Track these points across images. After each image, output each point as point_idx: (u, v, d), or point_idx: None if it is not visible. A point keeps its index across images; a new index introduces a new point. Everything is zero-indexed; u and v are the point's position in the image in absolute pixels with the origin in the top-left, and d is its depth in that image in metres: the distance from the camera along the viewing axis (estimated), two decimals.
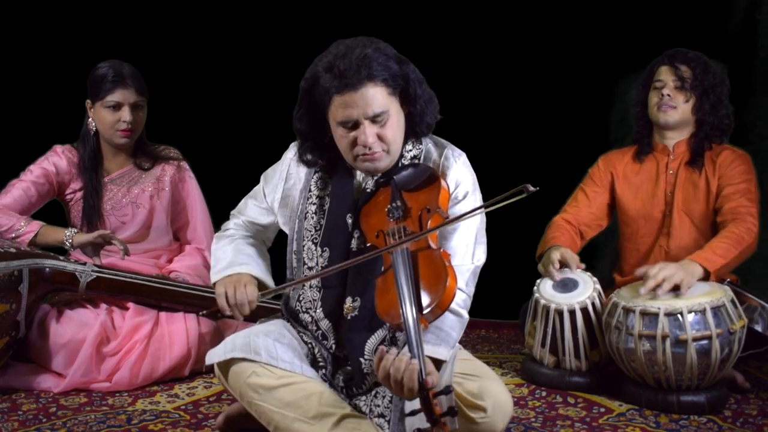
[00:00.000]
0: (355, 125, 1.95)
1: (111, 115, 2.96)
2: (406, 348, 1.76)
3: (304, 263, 2.12)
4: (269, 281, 2.17)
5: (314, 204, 2.13)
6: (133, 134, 3.01)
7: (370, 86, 1.91)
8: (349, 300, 2.05)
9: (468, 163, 2.09)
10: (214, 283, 2.14)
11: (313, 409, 1.93)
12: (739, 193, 2.73)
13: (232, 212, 2.33)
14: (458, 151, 2.10)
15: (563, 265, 2.75)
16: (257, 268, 2.17)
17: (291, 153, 2.20)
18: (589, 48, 3.82)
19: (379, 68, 1.91)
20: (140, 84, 3.00)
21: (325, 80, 1.93)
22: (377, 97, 1.93)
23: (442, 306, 1.81)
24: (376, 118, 1.94)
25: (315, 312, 2.10)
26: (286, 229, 2.21)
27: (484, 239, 2.08)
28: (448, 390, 1.68)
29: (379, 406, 1.97)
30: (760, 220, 2.71)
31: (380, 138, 1.96)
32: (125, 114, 2.95)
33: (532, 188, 1.73)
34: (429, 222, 1.91)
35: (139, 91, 2.99)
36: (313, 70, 1.98)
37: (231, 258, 2.18)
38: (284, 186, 2.19)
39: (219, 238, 2.29)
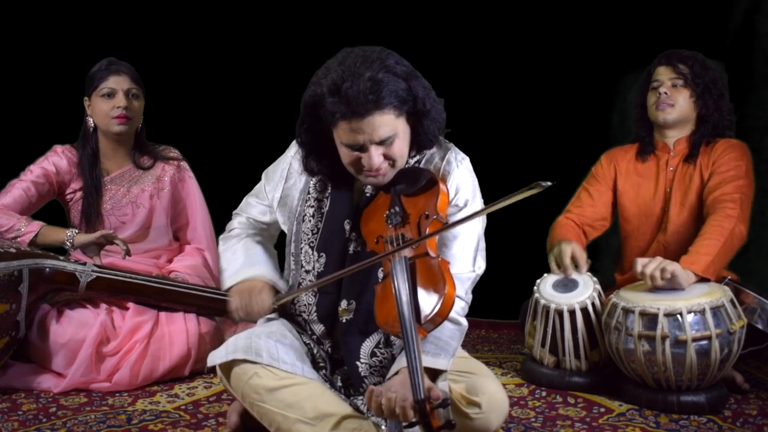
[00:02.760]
0: (361, 148, 1.91)
1: (106, 103, 2.97)
2: (394, 379, 1.78)
3: (302, 266, 2.11)
4: (280, 283, 2.15)
5: (312, 207, 2.11)
6: (130, 122, 3.01)
7: (377, 114, 1.86)
8: (344, 303, 2.04)
9: (470, 168, 2.07)
10: (228, 289, 2.12)
11: (314, 410, 1.92)
12: (724, 182, 2.71)
13: (235, 212, 2.32)
14: (461, 155, 2.07)
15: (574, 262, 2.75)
16: (268, 269, 2.16)
17: (292, 151, 2.19)
18: (589, 49, 3.82)
19: (388, 95, 1.85)
20: (134, 73, 3.02)
21: (329, 103, 1.87)
22: (384, 123, 1.88)
23: (441, 315, 1.79)
24: (382, 141, 1.91)
25: (309, 316, 2.10)
26: (285, 229, 2.20)
27: (484, 246, 2.06)
28: (445, 403, 1.67)
29: None
30: (748, 206, 2.69)
31: (386, 156, 1.94)
32: (119, 100, 2.96)
33: (545, 183, 1.66)
34: (427, 228, 1.89)
35: (134, 79, 3.00)
36: (317, 87, 1.90)
37: (242, 260, 2.17)
38: (284, 185, 2.18)
39: (226, 239, 2.28)
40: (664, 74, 2.85)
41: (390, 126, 1.89)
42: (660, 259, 2.55)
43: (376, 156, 1.91)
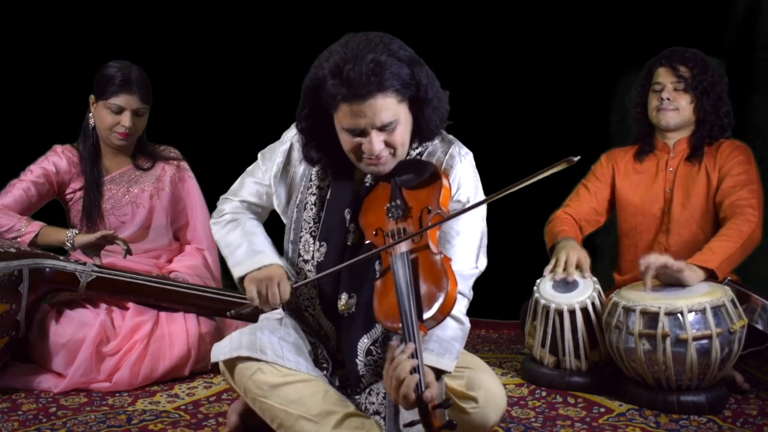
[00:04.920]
0: (362, 133, 1.88)
1: (111, 117, 2.96)
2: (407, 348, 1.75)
3: (300, 255, 2.08)
4: (290, 271, 2.09)
5: (314, 195, 2.08)
6: (130, 138, 3.01)
7: (379, 97, 1.82)
8: (344, 297, 2.01)
9: (473, 163, 2.05)
10: (242, 278, 2.02)
11: (317, 407, 1.92)
12: (738, 186, 2.72)
13: (224, 196, 2.25)
14: (465, 149, 2.05)
15: (577, 267, 2.73)
16: (276, 254, 2.07)
17: (292, 132, 2.12)
18: (588, 47, 3.82)
19: (390, 78, 1.81)
20: (146, 91, 2.99)
21: (331, 86, 1.84)
22: (386, 106, 1.85)
23: (442, 312, 1.78)
24: (384, 127, 1.88)
25: (314, 311, 2.09)
26: (280, 212, 2.15)
27: (486, 243, 2.04)
28: (447, 403, 1.66)
29: (374, 403, 1.97)
30: (762, 211, 2.70)
31: (387, 143, 1.91)
32: (125, 119, 2.95)
33: (575, 159, 1.68)
34: (429, 223, 1.87)
35: (143, 99, 2.98)
36: (318, 69, 1.88)
37: (245, 246, 2.07)
38: (284, 165, 2.11)
39: (218, 223, 2.20)
40: (665, 77, 2.83)
41: (392, 111, 1.86)
42: (666, 257, 2.54)
43: (377, 142, 1.88)
